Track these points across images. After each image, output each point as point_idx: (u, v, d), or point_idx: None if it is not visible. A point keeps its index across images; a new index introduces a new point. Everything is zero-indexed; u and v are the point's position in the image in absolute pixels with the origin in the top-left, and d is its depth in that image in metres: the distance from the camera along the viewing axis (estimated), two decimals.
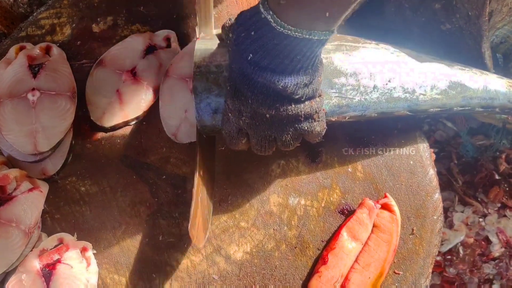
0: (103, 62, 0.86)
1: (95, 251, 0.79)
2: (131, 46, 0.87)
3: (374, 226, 0.80)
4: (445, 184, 1.23)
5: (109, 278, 0.79)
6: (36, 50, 0.85)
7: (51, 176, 0.82)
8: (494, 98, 0.82)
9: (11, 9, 1.00)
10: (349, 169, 0.84)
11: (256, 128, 0.70)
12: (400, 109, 0.80)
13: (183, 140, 0.83)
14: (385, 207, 0.81)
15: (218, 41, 0.76)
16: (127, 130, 0.85)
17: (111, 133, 0.85)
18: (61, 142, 0.81)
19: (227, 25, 0.69)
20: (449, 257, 1.19)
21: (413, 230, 0.82)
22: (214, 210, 0.81)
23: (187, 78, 0.83)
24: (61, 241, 0.78)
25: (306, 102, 0.68)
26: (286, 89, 0.65)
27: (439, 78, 0.80)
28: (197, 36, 0.81)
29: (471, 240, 1.20)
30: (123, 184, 0.83)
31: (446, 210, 1.21)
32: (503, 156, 1.23)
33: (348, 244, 0.78)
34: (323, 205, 0.83)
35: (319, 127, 0.72)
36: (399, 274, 0.81)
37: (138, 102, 0.85)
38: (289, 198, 0.83)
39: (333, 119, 0.78)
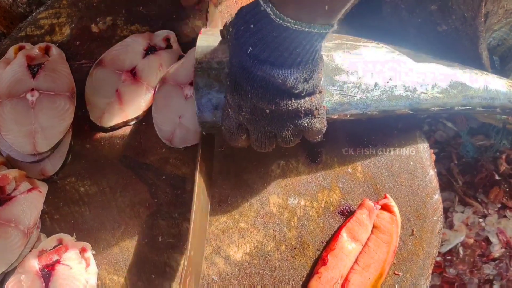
0: (102, 62, 0.86)
1: (94, 252, 0.79)
2: (131, 46, 0.87)
3: (374, 227, 0.80)
4: (445, 184, 1.22)
5: (108, 278, 0.79)
6: (35, 50, 0.85)
7: (50, 176, 0.82)
8: (494, 98, 0.82)
9: (10, 9, 1.00)
10: (349, 170, 0.84)
11: (256, 123, 0.70)
12: (401, 107, 0.79)
13: (179, 145, 0.83)
14: (385, 208, 0.80)
15: (220, 38, 0.76)
16: (126, 130, 0.85)
17: (110, 133, 0.85)
18: (60, 142, 0.81)
19: (228, 21, 0.69)
20: (449, 257, 1.19)
21: (413, 231, 0.82)
22: (214, 211, 0.81)
23: (182, 85, 0.83)
24: (60, 242, 0.78)
25: (307, 98, 0.68)
26: (285, 82, 0.64)
27: (440, 78, 0.80)
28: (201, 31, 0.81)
29: (471, 241, 1.19)
30: (123, 185, 0.83)
31: (446, 210, 1.21)
32: (503, 156, 1.23)
33: (348, 245, 0.78)
34: (322, 205, 0.82)
35: (319, 124, 0.71)
36: (399, 275, 0.80)
37: (138, 102, 0.84)
38: (288, 199, 0.82)
39: (335, 117, 0.78)
